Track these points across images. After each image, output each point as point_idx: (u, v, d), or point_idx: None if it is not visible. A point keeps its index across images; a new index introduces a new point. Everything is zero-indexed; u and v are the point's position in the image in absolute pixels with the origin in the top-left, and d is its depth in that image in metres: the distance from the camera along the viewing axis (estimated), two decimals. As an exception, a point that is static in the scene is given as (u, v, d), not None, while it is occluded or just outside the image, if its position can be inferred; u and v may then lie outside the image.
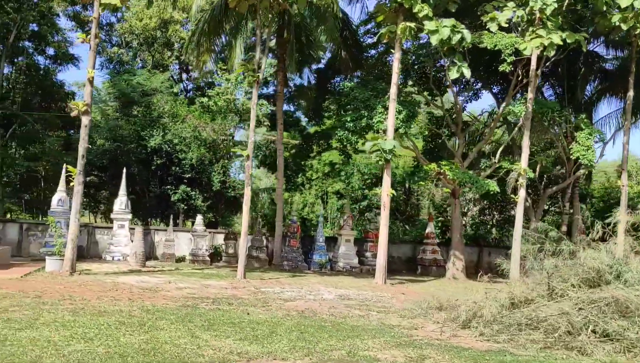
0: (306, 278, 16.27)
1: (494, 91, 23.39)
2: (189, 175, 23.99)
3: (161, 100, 24.60)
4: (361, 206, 29.64)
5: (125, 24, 25.83)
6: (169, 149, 23.49)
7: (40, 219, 26.87)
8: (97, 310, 8.13)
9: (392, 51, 16.12)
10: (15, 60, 25.74)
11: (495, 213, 31.85)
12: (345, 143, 17.54)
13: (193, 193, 23.79)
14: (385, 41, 16.05)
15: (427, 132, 24.70)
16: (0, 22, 23.31)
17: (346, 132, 17.02)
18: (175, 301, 9.72)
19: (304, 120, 33.61)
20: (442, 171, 17.36)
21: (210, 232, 20.83)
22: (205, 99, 27.17)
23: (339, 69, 21.91)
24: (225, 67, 22.02)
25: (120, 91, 23.80)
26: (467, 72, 14.85)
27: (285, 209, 35.80)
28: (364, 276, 18.75)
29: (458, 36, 14.39)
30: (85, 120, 13.24)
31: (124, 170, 19.44)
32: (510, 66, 15.72)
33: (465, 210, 29.90)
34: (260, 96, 33.98)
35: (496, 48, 15.62)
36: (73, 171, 13.18)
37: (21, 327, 6.56)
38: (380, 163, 15.45)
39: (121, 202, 18.94)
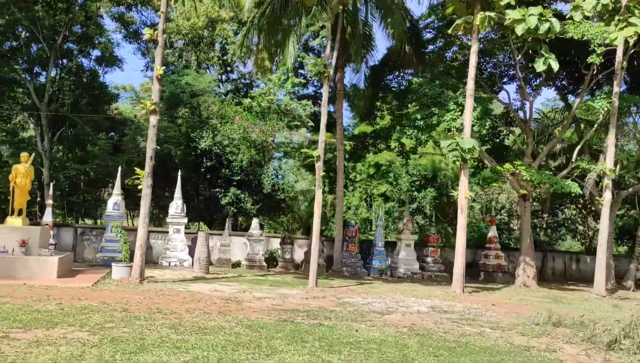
0: (375, 286, 15.31)
1: (557, 85, 22.10)
2: (239, 177, 23.30)
3: (208, 100, 24.03)
4: (410, 209, 28.60)
5: (171, 24, 25.34)
6: (218, 151, 22.85)
7: (80, 222, 26.53)
8: (197, 327, 7.35)
9: (468, 43, 15.10)
10: (60, 62, 25.48)
11: (545, 215, 30.45)
12: (414, 141, 16.44)
13: (242, 195, 23.11)
14: (460, 33, 15.03)
15: (484, 131, 23.52)
16: (48, 24, 23.07)
17: (415, 131, 16.02)
18: (267, 314, 8.90)
19: (346, 120, 32.64)
20: (517, 171, 16.22)
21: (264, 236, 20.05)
22: (247, 100, 26.60)
23: (394, 65, 20.92)
24: (267, 67, 21.15)
25: (169, 91, 23.27)
26: (555, 65, 13.75)
27: (328, 212, 35.03)
28: (430, 283, 17.73)
29: (546, 25, 13.31)
30: (153, 120, 12.58)
31: (179, 173, 18.86)
32: (600, 57, 14.54)
33: (515, 213, 28.59)
34: (302, 97, 33.40)
35: (584, 38, 14.46)
36: (141, 174, 12.54)
37: (133, 350, 5.80)
38: (457, 163, 14.43)
39: (177, 206, 18.32)
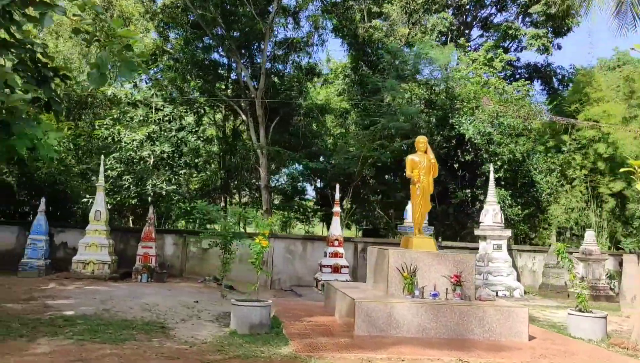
0: None
1: None
2: (498, 175, 18.19)
3: (452, 77, 19.15)
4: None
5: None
6: (479, 141, 17.83)
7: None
8: None
9: None
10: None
11: None
12: None
13: (509, 199, 17.96)
14: None
15: None
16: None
17: None
18: None
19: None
20: None
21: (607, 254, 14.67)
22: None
23: None
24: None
25: (412, 65, 18.58)
26: None
27: (541, 215, 28.99)
28: None
29: None
30: None
31: (492, 172, 14.04)
32: None
33: None
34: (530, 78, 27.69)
35: None
36: (635, 165, 7.56)
37: None
38: None
39: (494, 212, 13.45)
